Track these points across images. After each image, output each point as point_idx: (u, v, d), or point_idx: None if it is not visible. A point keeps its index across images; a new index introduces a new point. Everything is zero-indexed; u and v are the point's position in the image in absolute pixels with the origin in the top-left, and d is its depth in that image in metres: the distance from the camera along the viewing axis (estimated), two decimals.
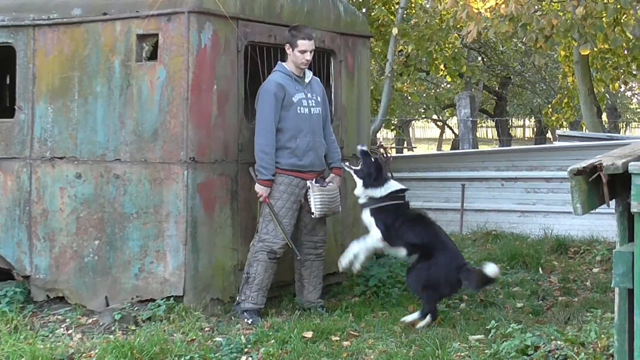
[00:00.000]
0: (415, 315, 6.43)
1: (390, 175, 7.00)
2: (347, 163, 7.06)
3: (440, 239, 6.72)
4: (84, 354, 5.79)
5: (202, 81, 6.70)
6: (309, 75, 6.99)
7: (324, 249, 7.11)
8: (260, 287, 6.76)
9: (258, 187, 6.76)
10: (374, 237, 6.72)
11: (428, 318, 6.43)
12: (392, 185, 6.84)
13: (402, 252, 6.75)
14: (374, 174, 6.79)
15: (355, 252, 6.80)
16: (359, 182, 6.85)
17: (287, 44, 6.84)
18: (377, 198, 6.76)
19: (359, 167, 6.87)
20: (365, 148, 6.99)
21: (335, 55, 7.90)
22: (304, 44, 6.78)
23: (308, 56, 6.83)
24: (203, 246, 6.72)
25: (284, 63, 6.93)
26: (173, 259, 6.69)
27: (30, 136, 7.31)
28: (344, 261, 6.85)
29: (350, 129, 8.07)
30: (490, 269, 6.47)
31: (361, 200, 6.87)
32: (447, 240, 6.80)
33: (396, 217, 6.73)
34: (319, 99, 6.99)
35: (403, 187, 6.92)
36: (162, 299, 6.65)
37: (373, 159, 6.89)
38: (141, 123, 6.84)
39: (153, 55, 6.90)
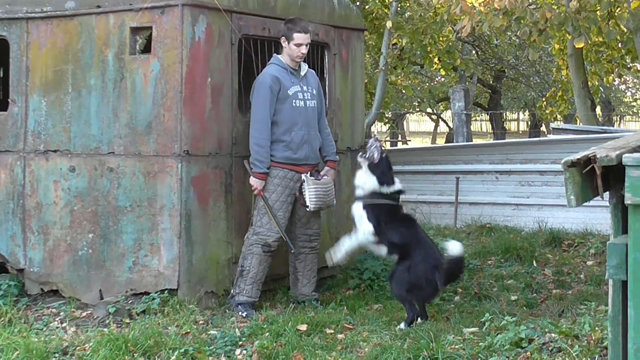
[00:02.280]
0: (402, 325, 6.31)
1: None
2: (360, 155, 6.83)
3: (417, 238, 6.63)
4: (78, 347, 5.76)
5: (196, 74, 6.69)
6: (305, 68, 6.98)
7: (318, 242, 7.11)
8: (254, 280, 6.76)
9: (253, 180, 6.75)
10: (366, 231, 6.62)
11: (418, 320, 6.39)
12: (398, 184, 6.77)
13: (382, 250, 6.68)
14: (388, 172, 6.71)
15: (348, 249, 6.74)
16: (372, 177, 6.68)
17: (283, 37, 6.83)
18: (385, 194, 6.67)
19: (375, 162, 6.68)
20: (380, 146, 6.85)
21: (329, 48, 7.89)
22: (299, 37, 6.77)
23: (304, 49, 6.82)
24: (197, 239, 6.72)
25: (279, 56, 6.91)
26: (167, 252, 6.68)
27: (24, 129, 7.29)
28: (335, 257, 6.76)
29: (344, 122, 8.07)
30: (454, 246, 6.48)
31: (359, 192, 6.72)
32: (424, 239, 6.72)
33: (386, 215, 6.68)
34: (314, 92, 6.98)
35: (402, 188, 6.83)
36: (156, 292, 6.66)
37: (385, 156, 6.80)
38: (135, 116, 6.82)
39: (147, 48, 6.88)
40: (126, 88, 6.86)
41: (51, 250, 7.17)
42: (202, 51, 6.72)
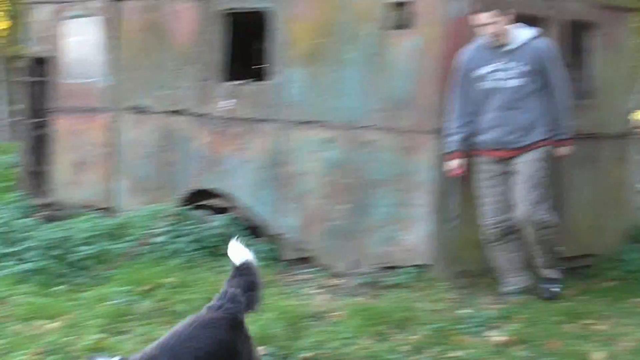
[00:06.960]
0: None
1: None
2: None
3: None
4: (331, 314, 5.85)
5: (457, 51, 6.57)
6: (516, 42, 6.32)
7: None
8: (505, 269, 6.51)
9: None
10: None
11: None
12: None
13: None
14: None
15: None
16: None
17: None
18: None
19: None
20: None
21: (593, 28, 7.53)
22: (476, 18, 6.30)
23: (490, 29, 6.25)
24: (452, 217, 6.62)
25: None
26: (421, 228, 6.64)
27: (284, 100, 7.47)
28: None
29: (603, 108, 7.66)
30: None
31: None
32: None
33: None
34: (525, 69, 6.30)
35: None
36: (407, 267, 6.65)
37: None
38: (392, 91, 6.81)
39: (407, 23, 6.84)
40: (384, 62, 6.85)
41: (306, 218, 7.33)
42: (464, 27, 6.59)
